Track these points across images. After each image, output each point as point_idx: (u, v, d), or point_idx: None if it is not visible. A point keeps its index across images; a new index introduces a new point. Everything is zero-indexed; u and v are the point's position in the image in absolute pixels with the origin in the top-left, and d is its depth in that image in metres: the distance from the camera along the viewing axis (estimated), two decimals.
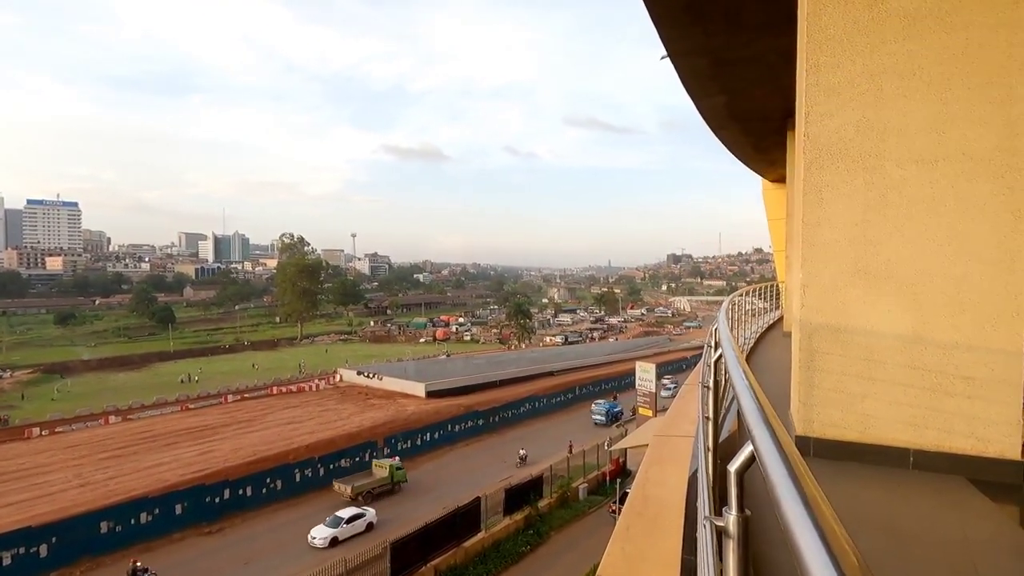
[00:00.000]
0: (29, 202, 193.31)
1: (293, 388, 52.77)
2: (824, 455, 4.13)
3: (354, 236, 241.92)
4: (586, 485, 31.07)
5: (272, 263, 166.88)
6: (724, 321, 3.39)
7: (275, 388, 53.24)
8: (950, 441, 3.77)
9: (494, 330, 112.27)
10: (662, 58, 8.58)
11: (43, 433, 38.66)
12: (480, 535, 24.59)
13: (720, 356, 2.26)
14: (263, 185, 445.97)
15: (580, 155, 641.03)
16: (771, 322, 13.80)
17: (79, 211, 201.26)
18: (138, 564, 21.39)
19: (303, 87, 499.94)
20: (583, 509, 29.12)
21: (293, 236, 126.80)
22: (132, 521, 24.33)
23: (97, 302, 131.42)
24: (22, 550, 21.36)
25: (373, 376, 51.87)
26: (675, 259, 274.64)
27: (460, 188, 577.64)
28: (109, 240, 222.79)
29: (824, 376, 4.11)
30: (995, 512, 3.28)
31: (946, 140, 3.73)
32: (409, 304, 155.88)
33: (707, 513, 1.36)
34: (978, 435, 3.70)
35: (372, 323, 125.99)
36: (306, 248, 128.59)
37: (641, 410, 34.82)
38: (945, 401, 3.76)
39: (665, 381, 48.61)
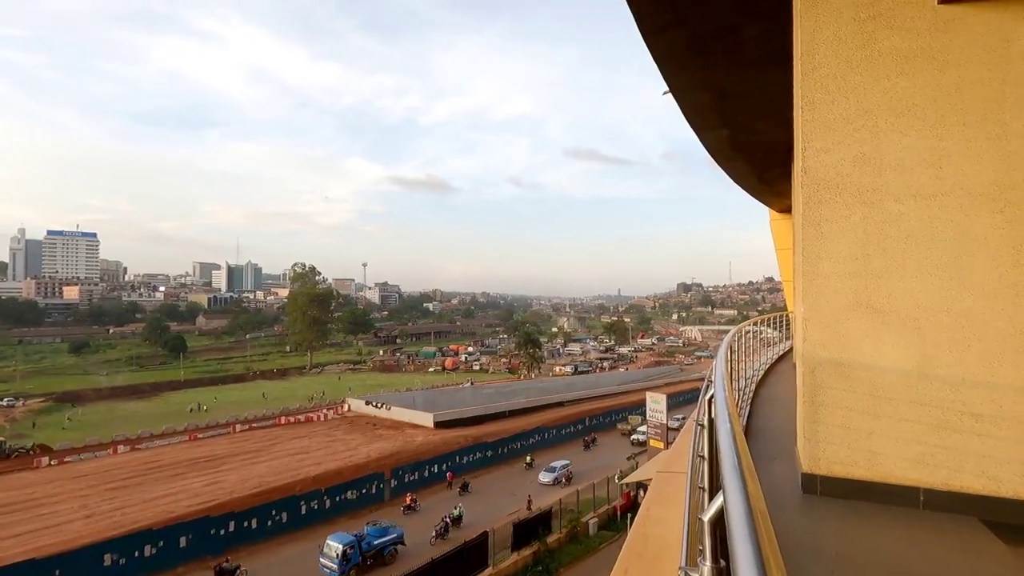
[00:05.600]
0: (49, 233, 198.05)
1: (301, 418, 52.56)
2: (832, 493, 4.03)
3: (365, 265, 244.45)
4: (596, 520, 30.31)
5: (284, 292, 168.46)
6: (722, 359, 3.37)
7: (283, 418, 53.08)
8: (960, 480, 3.67)
9: (503, 359, 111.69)
10: (664, 93, 8.73)
11: (52, 462, 38.68)
12: (488, 571, 23.98)
13: (713, 395, 2.24)
14: (276, 216, 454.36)
15: (586, 186, 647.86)
16: (782, 352, 13.63)
17: (97, 241, 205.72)
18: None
19: (316, 121, 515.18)
20: (594, 545, 28.34)
21: (305, 265, 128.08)
22: (136, 553, 24.04)
23: (111, 331, 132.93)
24: None
25: (381, 406, 51.58)
26: (685, 288, 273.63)
27: (469, 218, 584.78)
28: (125, 270, 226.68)
29: (829, 412, 4.04)
30: (1009, 557, 3.16)
31: (943, 175, 3.74)
32: (418, 333, 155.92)
33: (683, 563, 1.33)
34: (989, 474, 3.60)
35: (381, 352, 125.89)
36: (317, 277, 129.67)
37: (652, 442, 34.28)
38: (953, 438, 3.68)
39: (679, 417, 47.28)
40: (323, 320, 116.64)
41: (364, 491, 33.06)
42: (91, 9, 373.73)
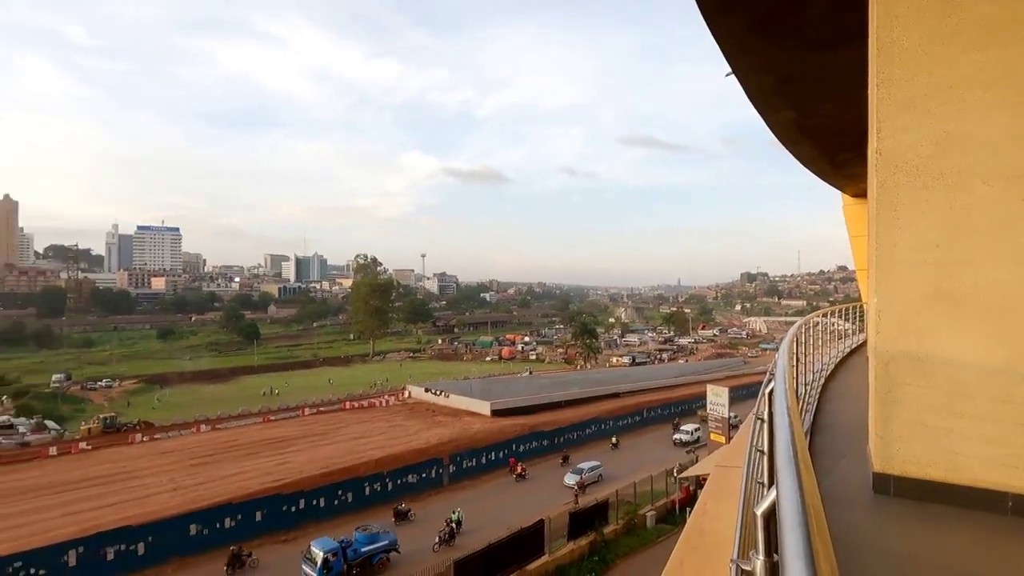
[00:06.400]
0: (139, 228, 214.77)
1: (364, 403, 54.67)
2: (907, 495, 3.82)
3: (423, 256, 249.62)
4: (654, 512, 29.94)
5: (348, 283, 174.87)
6: (786, 351, 3.25)
7: (348, 403, 55.38)
8: None
9: (559, 350, 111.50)
10: (727, 75, 8.40)
11: (144, 439, 42.21)
12: (544, 559, 24.20)
13: (773, 389, 2.18)
14: (340, 209, 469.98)
15: (642, 174, 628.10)
16: (854, 345, 12.90)
17: (180, 236, 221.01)
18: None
19: (374, 117, 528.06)
20: (651, 538, 28.02)
21: (367, 257, 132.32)
22: (217, 525, 25.90)
23: (193, 319, 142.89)
24: (123, 547, 23.27)
25: (440, 393, 52.85)
26: (749, 277, 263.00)
27: (523, 209, 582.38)
28: (205, 262, 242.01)
29: (904, 409, 3.82)
30: None
31: None
32: (475, 323, 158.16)
33: (735, 556, 1.31)
34: None
35: (440, 341, 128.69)
36: (378, 268, 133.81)
37: (713, 435, 33.36)
38: None
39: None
40: (384, 309, 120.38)
41: (424, 475, 34.09)
42: (162, 17, 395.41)
